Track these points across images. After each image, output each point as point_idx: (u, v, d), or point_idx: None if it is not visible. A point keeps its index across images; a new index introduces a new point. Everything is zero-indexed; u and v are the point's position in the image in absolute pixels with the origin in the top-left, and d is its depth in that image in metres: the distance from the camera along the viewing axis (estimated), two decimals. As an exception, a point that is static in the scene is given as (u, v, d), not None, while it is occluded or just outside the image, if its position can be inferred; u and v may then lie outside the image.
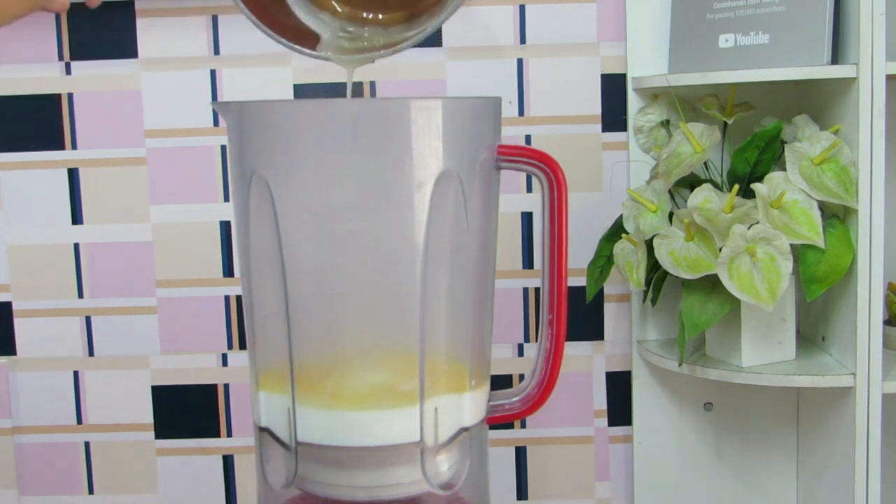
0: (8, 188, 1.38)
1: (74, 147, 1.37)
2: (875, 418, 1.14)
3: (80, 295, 1.39)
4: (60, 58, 1.35)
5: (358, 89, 1.35)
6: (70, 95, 1.36)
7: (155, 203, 1.37)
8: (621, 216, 1.23)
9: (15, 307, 1.40)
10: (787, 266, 1.10)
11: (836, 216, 1.17)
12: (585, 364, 1.40)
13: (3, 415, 1.41)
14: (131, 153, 1.37)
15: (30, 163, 1.37)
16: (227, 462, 1.43)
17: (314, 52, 0.64)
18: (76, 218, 1.38)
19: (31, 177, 1.37)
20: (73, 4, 1.35)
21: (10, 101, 1.36)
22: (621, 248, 1.22)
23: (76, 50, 1.35)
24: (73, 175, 1.37)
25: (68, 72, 1.35)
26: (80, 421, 1.42)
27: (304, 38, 0.65)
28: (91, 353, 1.40)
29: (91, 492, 1.43)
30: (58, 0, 0.55)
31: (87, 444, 1.42)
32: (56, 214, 1.38)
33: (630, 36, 1.31)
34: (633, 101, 1.30)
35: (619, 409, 1.41)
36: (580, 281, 1.33)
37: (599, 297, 1.38)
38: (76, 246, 1.39)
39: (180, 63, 1.35)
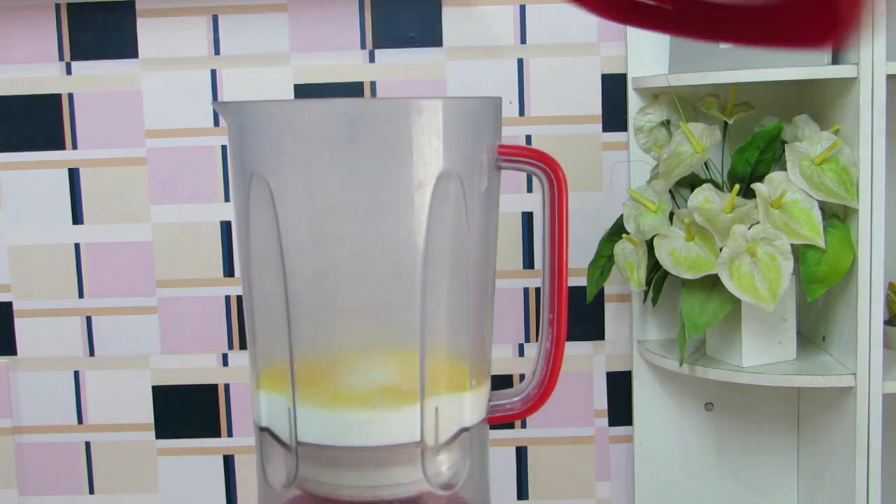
0: (8, 188, 1.38)
1: (75, 147, 1.37)
2: (875, 418, 1.14)
3: (81, 295, 1.39)
4: (61, 58, 1.35)
5: (358, 89, 1.35)
6: (70, 95, 1.36)
7: (155, 203, 1.38)
8: (621, 216, 1.23)
9: (15, 307, 1.40)
10: (788, 266, 1.10)
11: (837, 216, 1.17)
12: (585, 364, 1.40)
13: (4, 415, 1.41)
14: (131, 153, 1.37)
15: (30, 163, 1.37)
16: (228, 462, 1.43)
17: None
18: (76, 218, 1.38)
19: (32, 177, 1.37)
20: (73, 4, 1.35)
21: (11, 101, 1.36)
22: (621, 248, 1.22)
23: (76, 50, 1.35)
24: (73, 175, 1.37)
25: (69, 72, 1.35)
26: (80, 421, 1.42)
27: None
28: (91, 353, 1.40)
29: (91, 492, 1.43)
30: None
31: (87, 444, 1.42)
32: (56, 214, 1.38)
33: (630, 36, 1.31)
34: (634, 101, 1.30)
35: (620, 409, 1.41)
36: (580, 281, 1.33)
37: (600, 297, 1.38)
38: (76, 246, 1.39)
39: (180, 63, 1.35)
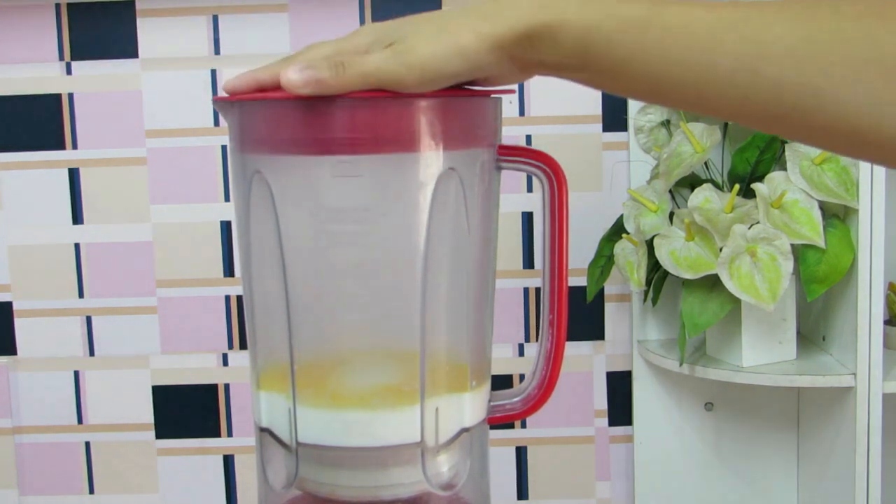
0: (9, 188, 1.38)
1: (75, 147, 1.37)
2: (875, 418, 1.14)
3: (81, 295, 1.39)
4: (61, 58, 1.35)
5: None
6: (70, 95, 1.36)
7: (155, 203, 1.37)
8: (621, 216, 1.23)
9: (16, 307, 1.40)
10: (788, 266, 1.10)
11: (837, 216, 1.17)
12: (585, 364, 1.40)
13: (4, 415, 1.41)
14: (131, 153, 1.37)
15: (30, 163, 1.37)
16: (228, 462, 1.43)
17: None
18: (77, 218, 1.38)
19: (32, 177, 1.37)
20: (73, 4, 1.35)
21: (11, 101, 1.36)
22: (622, 248, 1.22)
23: (77, 50, 1.35)
24: (73, 175, 1.37)
25: (69, 71, 1.35)
26: (80, 421, 1.42)
27: None
28: (91, 353, 1.40)
29: (91, 491, 1.43)
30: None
31: (87, 444, 1.42)
32: (57, 214, 1.38)
33: (630, 36, 1.31)
34: (634, 101, 1.30)
35: (620, 409, 1.41)
36: (580, 281, 1.33)
37: (600, 297, 1.38)
38: (77, 246, 1.39)
39: (180, 63, 1.35)
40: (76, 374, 1.41)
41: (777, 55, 0.49)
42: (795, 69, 0.48)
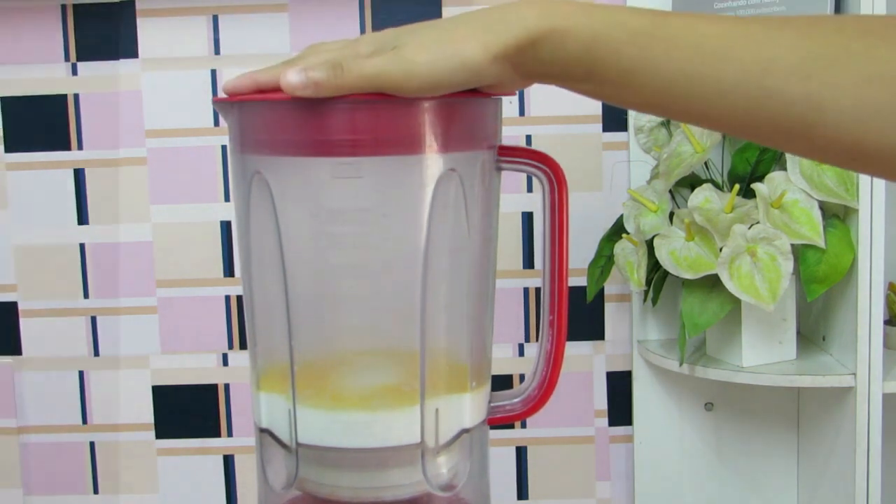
0: (14, 188, 1.38)
1: (80, 147, 1.37)
2: (875, 418, 1.14)
3: (86, 295, 1.39)
4: (67, 58, 1.35)
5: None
6: (76, 96, 1.36)
7: (155, 203, 1.38)
8: (622, 216, 1.24)
9: (21, 307, 1.40)
10: (788, 266, 1.10)
11: (837, 216, 1.17)
12: (585, 364, 1.40)
13: (9, 414, 1.42)
14: (132, 153, 1.37)
15: (36, 163, 1.37)
16: (228, 462, 1.43)
17: None
18: (82, 218, 1.38)
19: (38, 177, 1.37)
20: (78, 5, 1.35)
21: (17, 102, 1.36)
22: (622, 248, 1.22)
23: (81, 50, 1.35)
24: (78, 175, 1.37)
25: (74, 72, 1.35)
26: (84, 421, 1.42)
27: None
28: (96, 354, 1.41)
29: (96, 491, 1.44)
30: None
31: (91, 444, 1.43)
32: (62, 214, 1.38)
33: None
34: (634, 101, 1.30)
35: (620, 409, 1.41)
36: (580, 281, 1.33)
37: (600, 297, 1.38)
38: (81, 246, 1.39)
39: (180, 63, 1.35)
40: (80, 374, 1.41)
41: (781, 70, 0.49)
42: (799, 84, 0.49)
